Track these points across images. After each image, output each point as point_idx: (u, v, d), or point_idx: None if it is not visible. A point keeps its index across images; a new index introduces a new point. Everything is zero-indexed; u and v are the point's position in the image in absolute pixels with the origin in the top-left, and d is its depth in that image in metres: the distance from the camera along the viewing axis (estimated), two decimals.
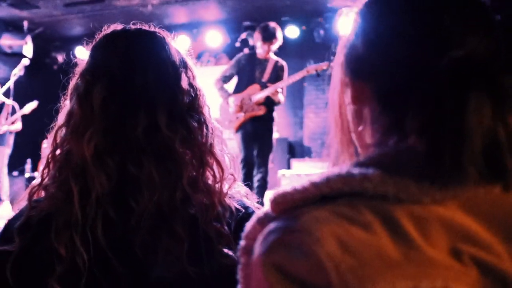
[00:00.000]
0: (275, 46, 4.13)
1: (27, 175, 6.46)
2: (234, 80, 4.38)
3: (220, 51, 7.48)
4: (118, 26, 0.87)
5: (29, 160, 6.63)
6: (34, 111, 5.71)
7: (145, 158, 0.74)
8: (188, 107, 0.80)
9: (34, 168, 6.65)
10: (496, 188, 0.46)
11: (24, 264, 0.72)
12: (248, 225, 0.51)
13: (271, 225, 0.46)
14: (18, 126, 5.69)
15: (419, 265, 0.40)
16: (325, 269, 0.39)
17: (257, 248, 0.45)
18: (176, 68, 0.82)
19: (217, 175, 0.81)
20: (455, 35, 0.49)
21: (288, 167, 6.18)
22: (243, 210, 0.80)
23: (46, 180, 0.79)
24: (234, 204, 0.80)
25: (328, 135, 0.64)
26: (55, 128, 0.80)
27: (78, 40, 7.44)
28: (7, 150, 5.61)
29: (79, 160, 0.73)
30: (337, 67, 0.60)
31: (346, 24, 0.60)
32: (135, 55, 0.81)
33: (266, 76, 4.16)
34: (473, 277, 0.42)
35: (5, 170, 5.61)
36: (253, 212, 0.81)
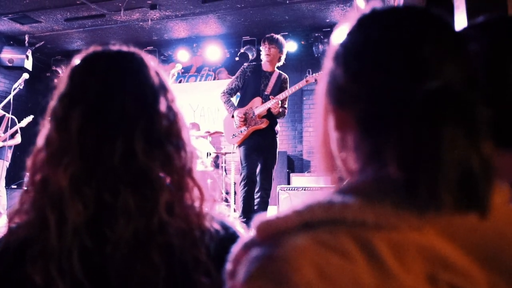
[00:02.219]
0: (273, 51, 4.16)
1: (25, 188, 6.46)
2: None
3: (220, 66, 7.55)
4: (98, 48, 0.86)
5: (27, 174, 6.63)
6: (33, 125, 5.75)
7: (121, 186, 0.73)
8: (166, 132, 0.79)
9: None
10: (472, 215, 0.47)
11: None
12: (234, 249, 0.53)
13: (254, 251, 0.47)
14: (18, 139, 5.73)
15: None
16: None
17: (240, 274, 0.47)
18: (154, 91, 0.81)
19: (196, 198, 0.80)
20: (431, 66, 0.51)
21: (288, 182, 6.18)
22: (224, 231, 0.80)
23: (25, 205, 0.78)
24: (214, 225, 0.79)
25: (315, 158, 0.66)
26: (34, 151, 0.80)
27: (78, 54, 7.51)
28: (5, 163, 5.63)
29: (56, 188, 0.73)
30: (321, 94, 0.62)
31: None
32: (113, 79, 0.80)
33: (269, 89, 4.17)
34: None
35: (2, 183, 5.62)
36: (234, 232, 0.81)
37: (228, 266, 0.53)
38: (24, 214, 0.78)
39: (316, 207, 0.48)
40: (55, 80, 7.53)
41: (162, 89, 0.82)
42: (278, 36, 4.18)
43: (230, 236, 0.79)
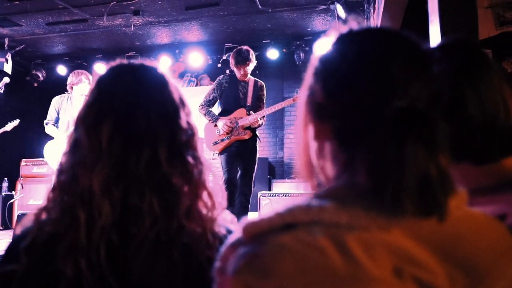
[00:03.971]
0: (250, 67, 4.22)
1: (3, 193, 6.37)
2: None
3: (202, 72, 7.59)
4: (124, 60, 0.93)
5: (6, 179, 6.54)
6: (13, 128, 5.70)
7: (146, 190, 0.80)
8: (185, 144, 0.86)
9: (11, 187, 6.56)
10: (432, 218, 0.54)
11: (29, 284, 0.77)
12: (223, 248, 0.58)
13: (241, 250, 0.53)
14: None
15: (365, 282, 0.48)
16: (284, 287, 0.47)
17: (229, 270, 0.52)
18: (175, 106, 0.88)
19: (209, 205, 0.87)
20: (399, 85, 0.57)
21: (269, 188, 6.24)
22: (229, 235, 0.84)
23: (52, 203, 0.84)
24: (222, 231, 0.86)
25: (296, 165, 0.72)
26: (63, 153, 0.86)
27: (59, 58, 7.45)
28: None
29: (86, 189, 0.79)
30: (301, 105, 0.68)
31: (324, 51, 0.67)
32: (141, 91, 0.87)
33: (249, 100, 4.26)
34: None
35: None
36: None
37: (217, 263, 0.58)
38: (51, 211, 0.83)
39: (296, 210, 0.54)
40: (35, 84, 7.48)
41: (182, 104, 0.90)
42: (249, 53, 4.18)
43: None
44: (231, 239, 0.58)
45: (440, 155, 0.53)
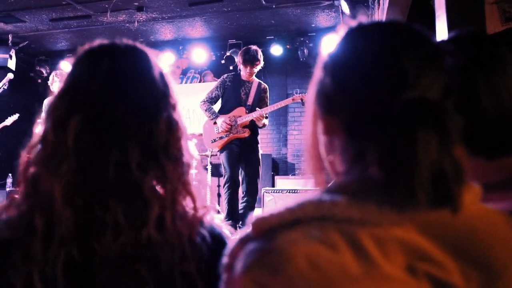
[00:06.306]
0: (257, 68, 4.23)
1: (8, 189, 6.38)
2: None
3: (205, 68, 7.58)
4: (104, 42, 0.82)
5: (10, 175, 6.55)
6: (17, 125, 5.70)
7: (112, 199, 0.71)
8: (164, 143, 0.76)
9: (15, 183, 6.57)
10: (445, 211, 0.52)
11: None
12: (231, 245, 0.57)
13: (251, 246, 0.52)
14: None
15: (378, 280, 0.47)
16: (296, 284, 0.45)
17: (238, 266, 0.51)
18: (156, 99, 0.78)
19: (189, 210, 0.78)
20: (410, 77, 0.56)
21: (273, 184, 6.25)
22: (212, 240, 0.78)
23: (15, 201, 0.75)
24: (206, 235, 0.77)
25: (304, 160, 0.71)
26: (29, 146, 0.76)
27: (63, 54, 7.45)
28: None
29: (47, 193, 0.70)
30: (310, 101, 0.67)
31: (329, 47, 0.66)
32: (117, 84, 0.76)
33: (250, 100, 4.28)
34: None
35: None
36: (223, 239, 0.80)
37: (225, 260, 0.57)
38: (14, 210, 0.75)
39: (307, 205, 0.53)
40: (39, 80, 7.48)
41: (165, 95, 0.80)
42: (257, 53, 4.17)
43: (220, 244, 0.77)
44: (240, 234, 0.57)
45: (454, 146, 0.52)
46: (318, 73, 0.66)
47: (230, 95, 4.32)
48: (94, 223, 0.71)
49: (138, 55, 0.81)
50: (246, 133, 4.23)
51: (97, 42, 0.82)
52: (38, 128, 0.78)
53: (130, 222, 0.71)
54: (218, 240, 0.79)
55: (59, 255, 0.68)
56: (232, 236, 0.82)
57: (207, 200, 0.82)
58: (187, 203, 0.79)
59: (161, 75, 0.81)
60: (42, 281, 0.67)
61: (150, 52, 0.83)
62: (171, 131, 0.78)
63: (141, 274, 0.70)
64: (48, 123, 0.75)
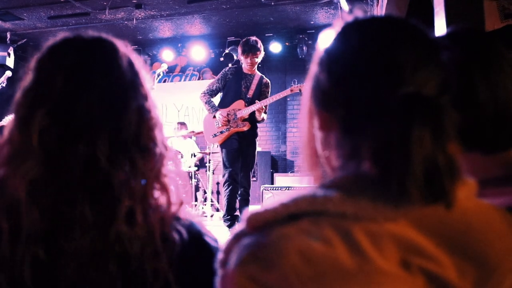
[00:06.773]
0: (258, 58, 4.21)
1: None
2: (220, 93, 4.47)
3: (204, 66, 7.57)
4: (68, 35, 0.80)
5: None
6: None
7: (79, 196, 0.70)
8: (134, 135, 0.74)
9: None
10: (439, 206, 0.52)
11: None
12: (226, 240, 0.57)
13: (245, 241, 0.52)
14: None
15: (372, 275, 0.47)
16: (289, 279, 0.45)
17: (232, 260, 0.51)
18: (125, 90, 0.75)
19: (163, 203, 0.76)
20: (406, 72, 0.56)
21: (272, 182, 6.25)
22: (192, 236, 0.76)
23: None
24: (182, 231, 0.75)
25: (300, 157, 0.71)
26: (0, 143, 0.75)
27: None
28: None
29: (13, 193, 0.69)
30: (305, 97, 0.66)
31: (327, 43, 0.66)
32: (81, 77, 0.74)
33: (251, 92, 4.26)
34: (420, 285, 0.49)
35: None
36: (202, 237, 0.78)
37: (220, 255, 0.57)
38: None
39: (301, 200, 0.52)
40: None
41: (134, 86, 0.77)
42: (257, 43, 4.18)
43: (196, 243, 0.76)
44: (235, 230, 0.57)
45: (448, 142, 0.52)
46: (313, 68, 0.66)
47: (231, 88, 4.31)
48: (62, 221, 0.69)
49: (104, 45, 0.79)
50: (246, 127, 4.23)
51: (60, 35, 0.80)
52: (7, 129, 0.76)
53: (98, 218, 0.69)
54: (196, 237, 0.77)
55: (26, 257, 0.67)
56: (212, 234, 0.79)
57: (189, 193, 0.78)
58: (161, 198, 0.76)
59: (130, 64, 0.79)
60: (10, 283, 0.67)
61: (118, 43, 0.81)
62: (142, 121, 0.76)
63: (108, 271, 0.69)
64: (13, 121, 0.74)
